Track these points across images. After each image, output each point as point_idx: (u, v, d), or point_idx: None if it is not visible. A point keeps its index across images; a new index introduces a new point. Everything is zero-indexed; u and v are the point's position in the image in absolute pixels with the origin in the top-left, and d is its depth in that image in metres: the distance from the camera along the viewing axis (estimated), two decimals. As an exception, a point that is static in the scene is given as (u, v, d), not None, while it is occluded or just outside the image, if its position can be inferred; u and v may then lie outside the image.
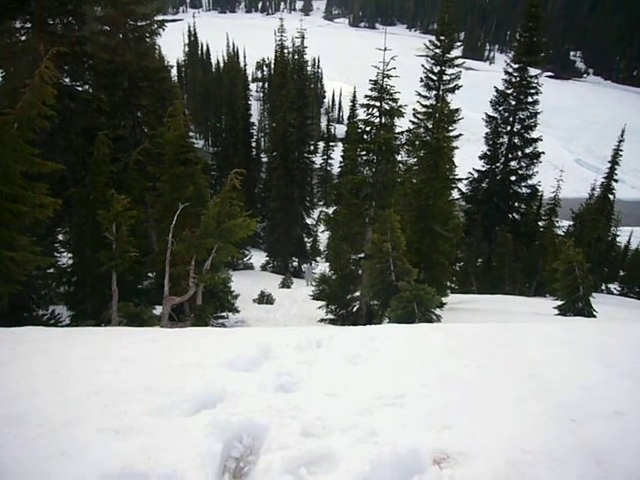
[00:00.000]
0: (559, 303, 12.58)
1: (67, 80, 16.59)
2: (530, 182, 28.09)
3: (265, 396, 3.62)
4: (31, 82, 9.58)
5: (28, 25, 15.69)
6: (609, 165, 30.54)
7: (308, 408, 3.37)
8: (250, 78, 62.75)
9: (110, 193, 11.58)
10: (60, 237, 16.02)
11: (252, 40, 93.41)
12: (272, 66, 63.88)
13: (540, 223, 28.41)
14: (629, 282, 30.58)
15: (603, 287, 28.63)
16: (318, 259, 34.32)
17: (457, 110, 24.71)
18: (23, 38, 15.80)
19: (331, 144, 54.41)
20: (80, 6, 16.16)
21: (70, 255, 14.50)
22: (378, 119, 15.09)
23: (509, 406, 3.31)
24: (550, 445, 2.80)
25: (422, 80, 27.22)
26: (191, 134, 25.60)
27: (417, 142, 20.18)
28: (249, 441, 3.12)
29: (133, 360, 4.27)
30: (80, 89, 17.44)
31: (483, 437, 2.91)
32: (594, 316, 11.86)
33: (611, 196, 31.08)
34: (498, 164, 28.56)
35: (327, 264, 20.04)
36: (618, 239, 33.95)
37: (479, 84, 68.38)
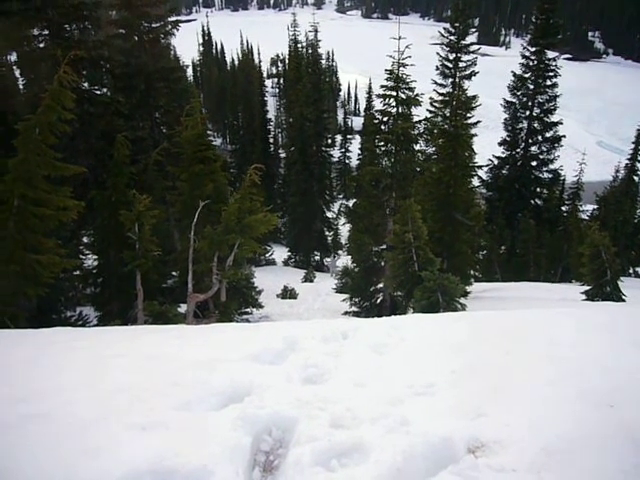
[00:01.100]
0: (586, 288, 12.36)
1: (85, 84, 16.77)
2: (552, 167, 27.66)
3: (292, 388, 3.59)
4: (50, 87, 9.69)
5: (46, 32, 15.89)
6: (633, 146, 29.84)
7: (337, 399, 3.33)
8: (265, 74, 62.72)
9: (131, 194, 11.66)
10: (84, 239, 16.22)
11: (265, 36, 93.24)
12: (286, 61, 63.79)
13: (563, 208, 27.93)
14: (658, 265, 29.94)
15: (631, 270, 28.04)
16: (340, 252, 34.25)
17: (474, 97, 24.34)
18: (41, 45, 16.01)
19: (348, 137, 54.25)
20: (95, 11, 16.31)
21: (95, 256, 14.68)
22: (395, 109, 14.98)
23: (542, 391, 3.22)
24: (587, 431, 2.72)
25: (438, 68, 26.89)
26: (209, 132, 25.72)
27: (435, 131, 19.96)
28: (278, 434, 3.10)
29: (159, 357, 4.28)
30: (98, 93, 17.61)
31: (518, 424, 2.84)
32: (623, 300, 11.63)
33: (636, 177, 30.36)
34: (518, 150, 28.14)
35: (349, 257, 19.98)
36: (645, 221, 33.25)
37: (496, 70, 67.42)
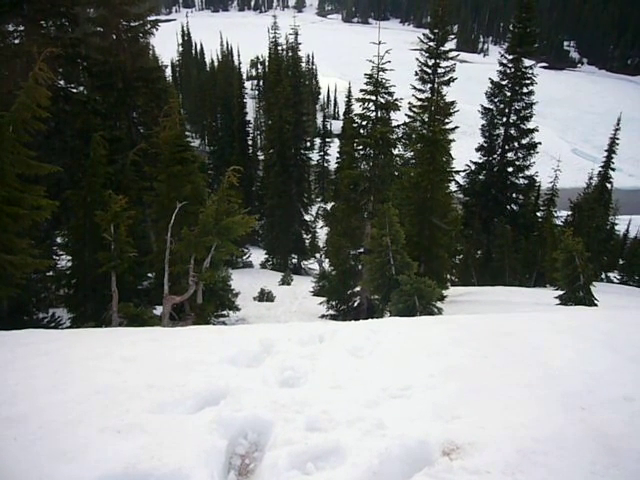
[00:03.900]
0: (560, 293, 12.56)
1: (62, 82, 16.52)
2: (527, 173, 28.06)
3: (269, 391, 3.58)
4: (25, 84, 9.51)
5: (21, 28, 15.61)
6: (606, 154, 30.49)
7: (313, 402, 3.33)
8: (245, 76, 62.46)
9: (107, 194, 11.51)
10: (58, 239, 15.96)
11: (246, 38, 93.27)
12: (266, 64, 63.68)
13: (538, 214, 28.39)
14: (628, 270, 30.58)
15: (603, 276, 28.60)
16: (317, 255, 34.26)
17: (452, 103, 24.63)
18: (16, 41, 15.72)
19: (327, 140, 54.29)
20: (72, 7, 16.07)
21: (69, 257, 14.44)
22: (374, 113, 15.04)
23: (517, 394, 3.27)
24: (560, 433, 2.77)
25: (417, 74, 27.10)
26: (187, 133, 25.43)
27: (414, 135, 20.08)
28: (254, 437, 3.08)
29: (134, 359, 4.23)
30: (75, 91, 17.36)
31: (492, 426, 2.87)
32: (595, 305, 11.83)
33: (609, 185, 31.02)
34: (495, 156, 28.51)
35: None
36: (617, 227, 33.97)
37: (474, 76, 68.24)
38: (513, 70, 27.06)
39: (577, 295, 11.99)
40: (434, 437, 2.80)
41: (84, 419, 3.05)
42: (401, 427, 2.92)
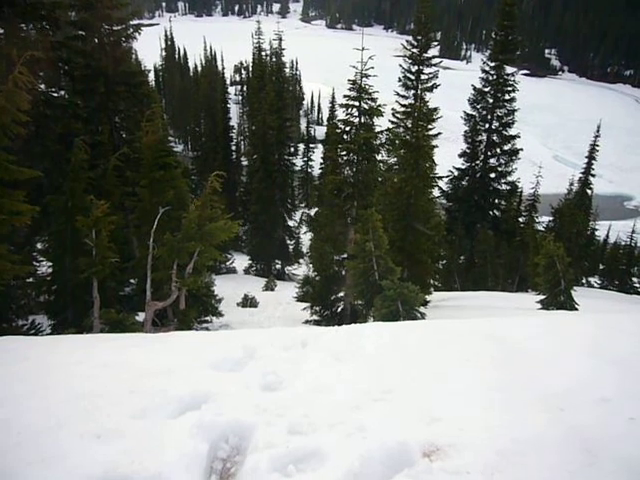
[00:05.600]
0: (541, 297, 12.69)
1: (42, 86, 16.35)
2: (509, 179, 28.41)
3: (251, 395, 3.57)
4: (5, 88, 9.41)
5: (0, 31, 15.43)
6: (586, 160, 30.95)
7: (295, 406, 3.33)
8: (228, 81, 62.36)
9: (89, 199, 11.42)
10: (39, 245, 15.77)
11: (229, 43, 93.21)
12: (250, 69, 63.74)
13: (520, 219, 28.72)
14: (609, 275, 31.04)
15: (584, 280, 28.97)
16: (301, 261, 34.21)
17: (436, 109, 24.84)
18: (-5, 44, 15.54)
19: (311, 146, 54.39)
20: (54, 11, 15.92)
21: (49, 263, 14.28)
22: (357, 119, 15.10)
23: (497, 397, 3.30)
24: (539, 434, 2.80)
25: (400, 80, 27.26)
26: (170, 138, 25.21)
27: (397, 141, 20.20)
28: (235, 441, 3.07)
29: (116, 364, 4.20)
30: (56, 95, 17.21)
31: (472, 428, 2.90)
32: (576, 309, 11.98)
33: (589, 191, 31.45)
34: (477, 162, 28.81)
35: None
36: (597, 233, 34.43)
37: (457, 83, 68.88)
38: (495, 77, 27.42)
39: (558, 299, 12.13)
40: (414, 439, 2.82)
41: (64, 424, 3.02)
42: (382, 430, 2.93)
